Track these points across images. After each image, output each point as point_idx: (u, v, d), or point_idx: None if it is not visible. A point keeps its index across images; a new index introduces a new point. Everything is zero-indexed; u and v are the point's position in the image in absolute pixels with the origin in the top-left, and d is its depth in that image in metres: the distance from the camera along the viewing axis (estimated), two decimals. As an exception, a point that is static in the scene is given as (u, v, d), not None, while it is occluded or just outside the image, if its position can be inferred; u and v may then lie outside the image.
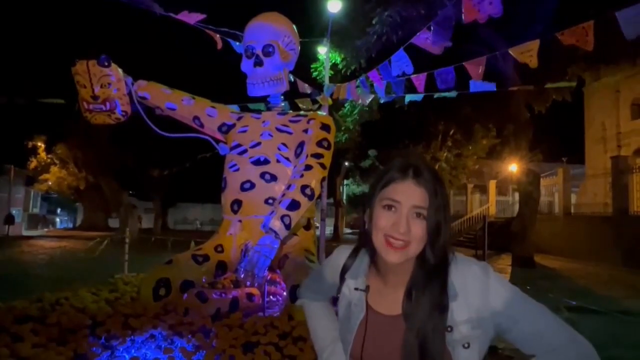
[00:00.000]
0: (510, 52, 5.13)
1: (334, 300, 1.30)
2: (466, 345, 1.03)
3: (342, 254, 1.25)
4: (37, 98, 6.13)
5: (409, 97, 8.14)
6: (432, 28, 5.13)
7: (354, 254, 1.22)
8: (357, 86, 7.88)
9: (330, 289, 1.30)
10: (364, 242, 1.16)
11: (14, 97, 6.21)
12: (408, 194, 1.06)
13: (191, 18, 5.35)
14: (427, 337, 1.02)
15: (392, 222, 1.05)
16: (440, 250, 1.06)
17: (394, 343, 1.07)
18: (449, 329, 1.03)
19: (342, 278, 1.21)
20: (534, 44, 4.95)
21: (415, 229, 1.04)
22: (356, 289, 1.16)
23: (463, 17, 4.48)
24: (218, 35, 5.73)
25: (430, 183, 1.07)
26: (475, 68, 5.70)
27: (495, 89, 6.78)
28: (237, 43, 5.69)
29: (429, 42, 5.25)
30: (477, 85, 6.72)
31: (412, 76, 6.37)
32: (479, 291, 1.05)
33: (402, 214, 1.05)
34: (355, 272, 1.19)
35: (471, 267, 1.08)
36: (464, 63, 5.76)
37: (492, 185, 25.07)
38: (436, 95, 7.29)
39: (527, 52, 5.01)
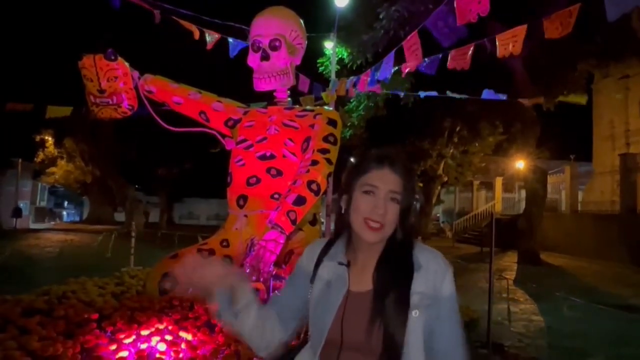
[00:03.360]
0: (497, 38, 5.07)
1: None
2: (415, 313, 1.14)
3: (317, 244, 1.33)
4: (45, 104, 6.12)
5: (421, 94, 8.11)
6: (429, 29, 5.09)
7: (330, 243, 1.30)
8: (354, 85, 7.86)
9: (302, 287, 1.27)
10: (341, 226, 1.26)
11: (23, 105, 6.17)
12: (385, 180, 1.19)
13: (190, 24, 5.37)
14: (391, 305, 1.12)
15: (371, 206, 1.17)
16: (408, 230, 1.21)
17: (366, 319, 1.13)
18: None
19: (317, 264, 1.26)
20: (521, 30, 4.91)
21: (390, 213, 1.17)
22: (340, 263, 1.22)
23: (457, 19, 4.44)
24: (217, 35, 5.72)
25: (404, 171, 1.21)
26: (462, 56, 5.60)
27: (505, 98, 6.82)
28: (237, 41, 5.70)
29: (414, 50, 5.24)
30: (489, 93, 6.82)
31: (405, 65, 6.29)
32: (439, 274, 1.18)
33: (380, 197, 1.17)
34: (333, 255, 1.26)
35: (436, 254, 1.22)
36: (451, 51, 5.63)
37: (498, 182, 24.94)
38: (449, 94, 7.25)
39: (512, 38, 4.96)
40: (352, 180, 1.23)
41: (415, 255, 1.20)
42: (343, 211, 1.24)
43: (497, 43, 4.99)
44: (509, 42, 4.94)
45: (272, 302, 1.34)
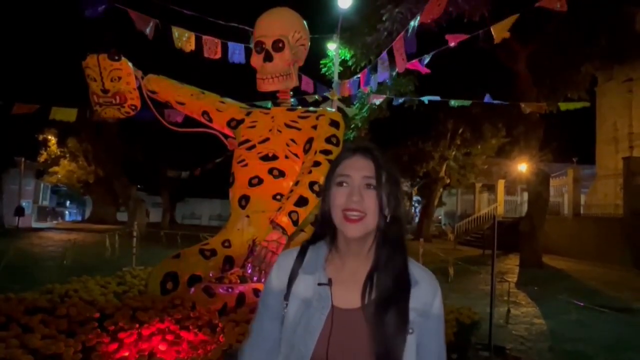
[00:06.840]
0: (492, 29, 5.05)
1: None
2: (411, 331, 1.08)
3: (288, 255, 1.19)
4: (49, 104, 6.11)
5: (425, 98, 8.18)
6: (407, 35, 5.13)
7: (302, 252, 1.18)
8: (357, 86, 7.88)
9: (277, 308, 1.15)
10: (325, 227, 1.16)
11: (28, 107, 6.13)
12: (357, 167, 1.12)
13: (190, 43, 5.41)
14: (391, 322, 1.04)
15: (346, 196, 1.10)
16: (392, 219, 1.11)
17: (358, 338, 1.05)
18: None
19: (292, 278, 1.14)
20: (514, 18, 4.92)
21: (368, 200, 1.10)
22: (319, 284, 1.10)
23: (421, 16, 4.49)
24: (219, 41, 5.73)
25: (377, 156, 1.14)
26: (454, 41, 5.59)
27: (506, 103, 6.97)
28: (238, 45, 5.72)
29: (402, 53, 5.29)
30: (489, 98, 6.99)
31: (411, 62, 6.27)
32: (430, 292, 1.13)
33: (354, 185, 1.11)
34: (311, 267, 1.14)
35: (428, 271, 1.17)
36: (446, 36, 5.53)
37: (500, 184, 24.88)
38: (453, 102, 7.33)
39: (506, 27, 4.97)
40: (329, 176, 1.16)
41: (409, 267, 1.14)
42: (326, 210, 1.15)
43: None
44: (502, 32, 4.97)
45: (254, 342, 1.19)
